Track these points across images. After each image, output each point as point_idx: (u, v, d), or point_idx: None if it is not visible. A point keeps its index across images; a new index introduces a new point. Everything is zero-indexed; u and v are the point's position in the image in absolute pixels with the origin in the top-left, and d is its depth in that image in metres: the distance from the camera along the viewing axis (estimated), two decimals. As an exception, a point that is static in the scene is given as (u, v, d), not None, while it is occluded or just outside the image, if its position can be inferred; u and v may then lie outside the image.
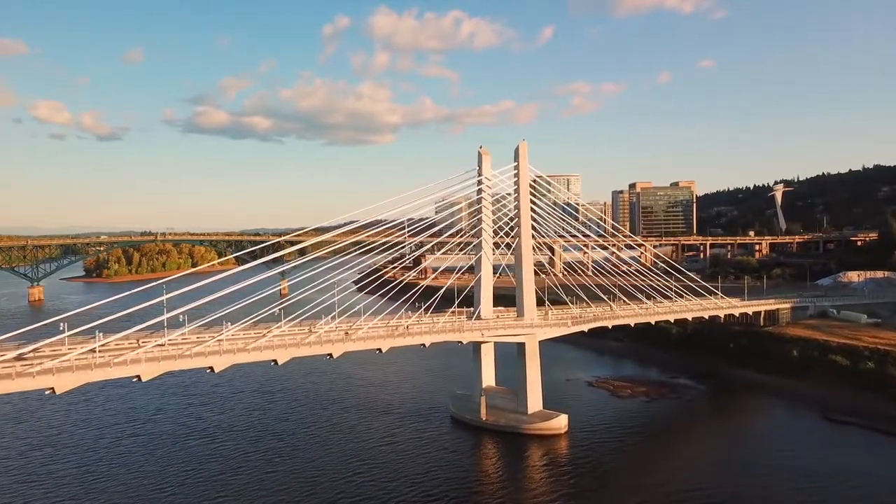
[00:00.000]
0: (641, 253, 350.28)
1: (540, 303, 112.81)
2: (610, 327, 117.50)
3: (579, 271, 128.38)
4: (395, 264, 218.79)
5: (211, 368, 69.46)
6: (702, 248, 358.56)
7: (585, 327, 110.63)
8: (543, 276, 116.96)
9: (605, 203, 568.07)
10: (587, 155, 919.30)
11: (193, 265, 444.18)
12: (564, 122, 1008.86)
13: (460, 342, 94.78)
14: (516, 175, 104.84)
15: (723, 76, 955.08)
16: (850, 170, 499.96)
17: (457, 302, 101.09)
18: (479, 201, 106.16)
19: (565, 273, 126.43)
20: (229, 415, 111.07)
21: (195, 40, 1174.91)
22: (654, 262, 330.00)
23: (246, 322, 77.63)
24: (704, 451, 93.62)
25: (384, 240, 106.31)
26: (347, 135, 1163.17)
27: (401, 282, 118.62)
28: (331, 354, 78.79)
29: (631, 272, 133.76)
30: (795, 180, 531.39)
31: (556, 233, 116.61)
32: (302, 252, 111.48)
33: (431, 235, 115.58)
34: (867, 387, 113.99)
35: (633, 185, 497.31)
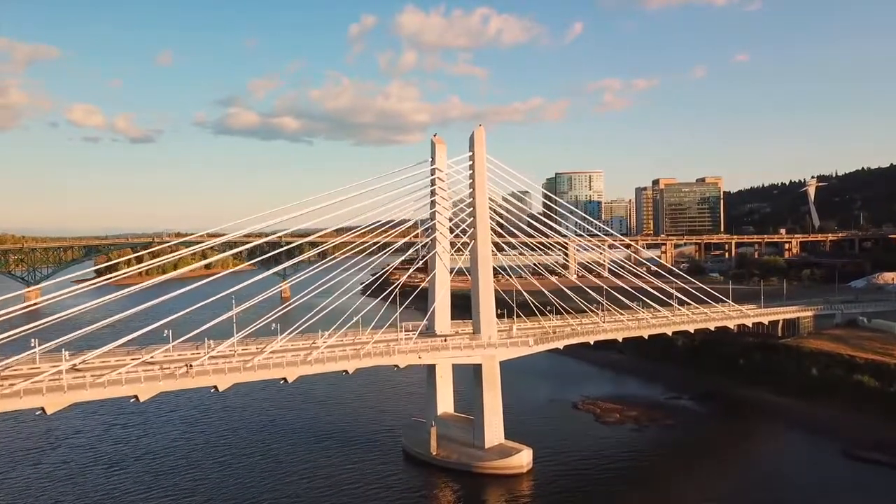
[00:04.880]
0: (661, 253, 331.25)
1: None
2: (591, 343, 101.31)
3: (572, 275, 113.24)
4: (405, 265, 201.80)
5: (42, 410, 55.87)
6: (727, 246, 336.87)
7: (559, 344, 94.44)
8: (504, 278, 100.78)
9: (629, 200, 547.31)
10: (618, 151, 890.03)
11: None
12: (596, 118, 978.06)
13: (396, 366, 79.52)
14: (471, 166, 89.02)
15: (757, 70, 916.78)
16: (892, 164, 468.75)
17: (399, 311, 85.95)
18: (432, 193, 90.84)
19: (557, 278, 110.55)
20: (148, 440, 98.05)
21: (224, 41, 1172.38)
22: (676, 263, 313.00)
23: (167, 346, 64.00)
24: (697, 499, 77.01)
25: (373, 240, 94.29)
26: (376, 134, 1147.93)
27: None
28: (215, 387, 64.63)
29: (628, 275, 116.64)
30: (833, 176, 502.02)
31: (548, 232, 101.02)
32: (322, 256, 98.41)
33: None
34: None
35: (656, 182, 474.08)
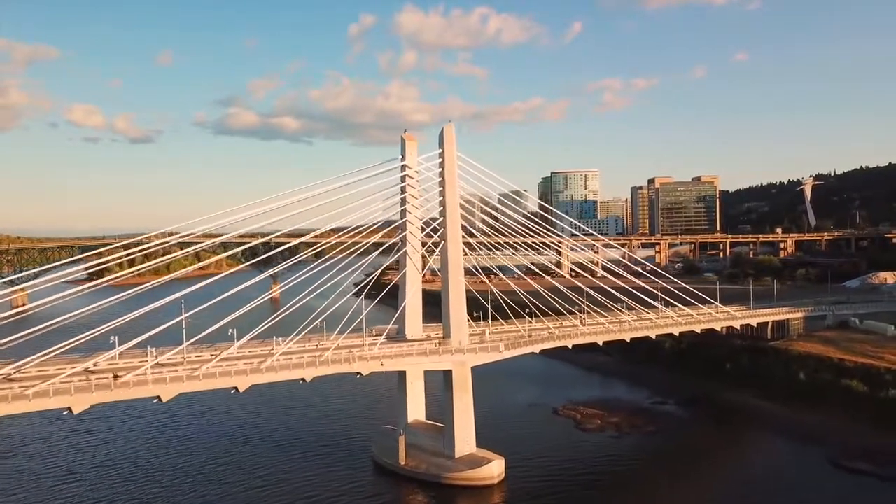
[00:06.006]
0: (656, 253, 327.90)
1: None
2: (570, 347, 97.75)
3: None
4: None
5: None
6: (722, 246, 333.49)
7: (534, 349, 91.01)
8: (480, 279, 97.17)
9: (625, 199, 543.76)
10: (618, 151, 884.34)
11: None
12: (596, 118, 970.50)
13: (358, 374, 75.92)
14: (441, 164, 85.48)
15: (757, 70, 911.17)
16: (891, 163, 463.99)
17: (364, 314, 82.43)
18: (402, 190, 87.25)
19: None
20: (109, 447, 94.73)
21: (224, 41, 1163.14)
22: (671, 263, 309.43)
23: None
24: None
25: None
26: (376, 134, 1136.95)
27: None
28: (159, 398, 61.23)
29: (610, 276, 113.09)
30: (832, 175, 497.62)
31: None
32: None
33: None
34: (888, 421, 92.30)
35: (651, 181, 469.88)
